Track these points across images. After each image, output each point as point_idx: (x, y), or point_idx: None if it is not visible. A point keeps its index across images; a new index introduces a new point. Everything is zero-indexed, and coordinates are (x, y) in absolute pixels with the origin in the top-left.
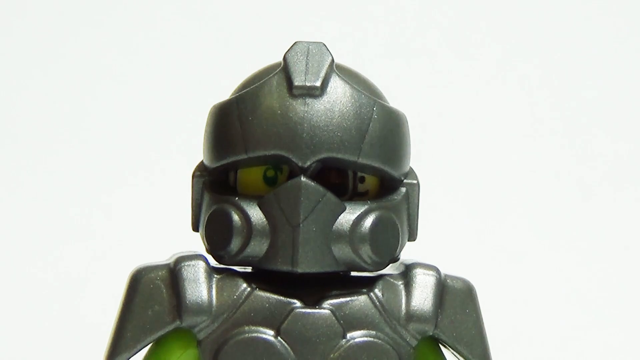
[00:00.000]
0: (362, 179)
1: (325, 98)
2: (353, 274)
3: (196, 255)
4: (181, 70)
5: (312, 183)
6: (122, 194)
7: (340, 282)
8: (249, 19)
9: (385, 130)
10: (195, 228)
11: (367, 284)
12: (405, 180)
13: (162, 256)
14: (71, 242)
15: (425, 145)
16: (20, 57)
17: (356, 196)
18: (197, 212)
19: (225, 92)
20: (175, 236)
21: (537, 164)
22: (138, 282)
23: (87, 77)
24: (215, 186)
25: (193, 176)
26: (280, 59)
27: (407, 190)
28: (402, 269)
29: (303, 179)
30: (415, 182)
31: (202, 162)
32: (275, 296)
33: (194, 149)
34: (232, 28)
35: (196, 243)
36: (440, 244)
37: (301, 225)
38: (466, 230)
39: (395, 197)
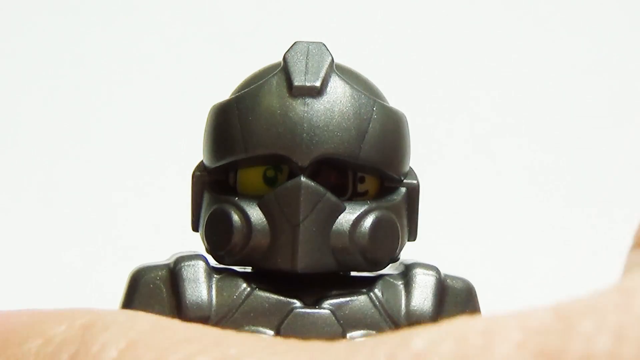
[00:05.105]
0: (362, 179)
1: (325, 98)
2: (353, 274)
3: (196, 255)
4: (181, 71)
5: (312, 183)
6: (122, 194)
7: (340, 282)
8: (249, 19)
9: (385, 130)
10: (195, 228)
11: (367, 284)
12: (405, 181)
13: (162, 256)
14: (71, 242)
15: (425, 146)
16: (24, 61)
17: (356, 196)
18: (197, 212)
19: (225, 92)
20: (175, 236)
21: (537, 164)
22: (138, 282)
23: (88, 78)
24: (215, 186)
25: (193, 176)
26: (280, 59)
27: (407, 191)
28: (402, 269)
29: (303, 179)
30: (415, 182)
31: (202, 162)
32: (275, 296)
33: (193, 149)
34: (232, 28)
35: (196, 243)
36: (440, 244)
37: (301, 225)
38: (466, 230)
39: (395, 197)
